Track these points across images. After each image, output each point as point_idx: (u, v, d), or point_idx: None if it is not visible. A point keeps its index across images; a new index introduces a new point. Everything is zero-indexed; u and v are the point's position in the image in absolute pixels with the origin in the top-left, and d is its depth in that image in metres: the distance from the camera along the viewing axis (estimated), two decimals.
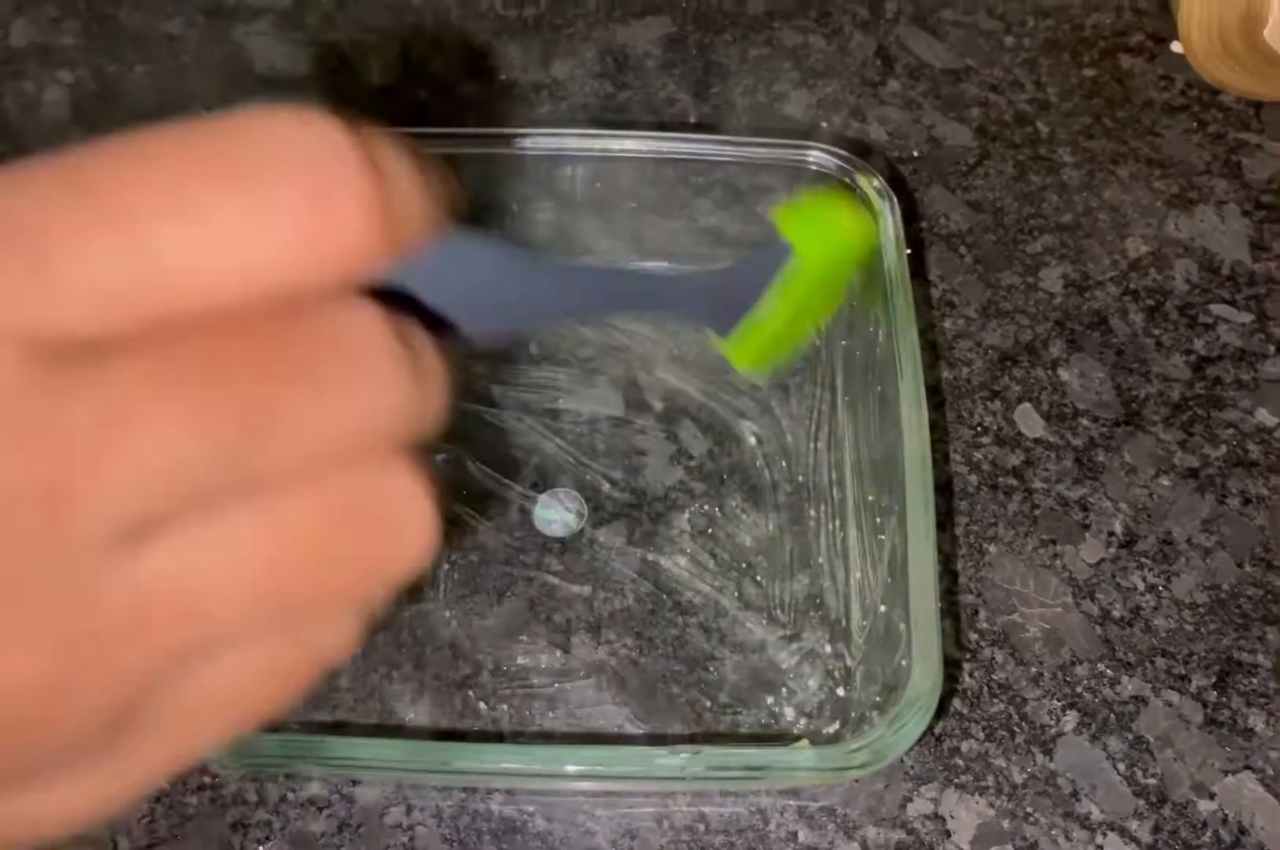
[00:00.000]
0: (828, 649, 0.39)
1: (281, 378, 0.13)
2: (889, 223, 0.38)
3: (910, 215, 0.49)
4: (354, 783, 0.37)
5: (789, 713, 0.38)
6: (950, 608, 0.40)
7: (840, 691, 0.38)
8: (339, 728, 0.37)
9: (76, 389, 0.12)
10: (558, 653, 0.39)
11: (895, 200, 0.39)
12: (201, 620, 0.13)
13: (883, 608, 0.35)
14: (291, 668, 0.15)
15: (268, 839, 0.36)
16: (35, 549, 0.11)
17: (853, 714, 0.36)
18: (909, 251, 0.46)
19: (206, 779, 0.37)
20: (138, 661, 0.12)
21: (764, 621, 0.39)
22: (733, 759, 0.30)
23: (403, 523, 0.14)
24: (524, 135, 0.40)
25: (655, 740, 0.37)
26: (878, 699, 0.33)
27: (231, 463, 0.12)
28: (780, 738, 0.37)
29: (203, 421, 0.12)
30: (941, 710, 0.38)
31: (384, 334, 0.14)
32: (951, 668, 0.39)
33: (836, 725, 0.37)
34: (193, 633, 0.13)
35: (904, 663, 0.31)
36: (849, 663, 0.38)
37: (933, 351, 0.45)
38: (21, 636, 0.12)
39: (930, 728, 0.38)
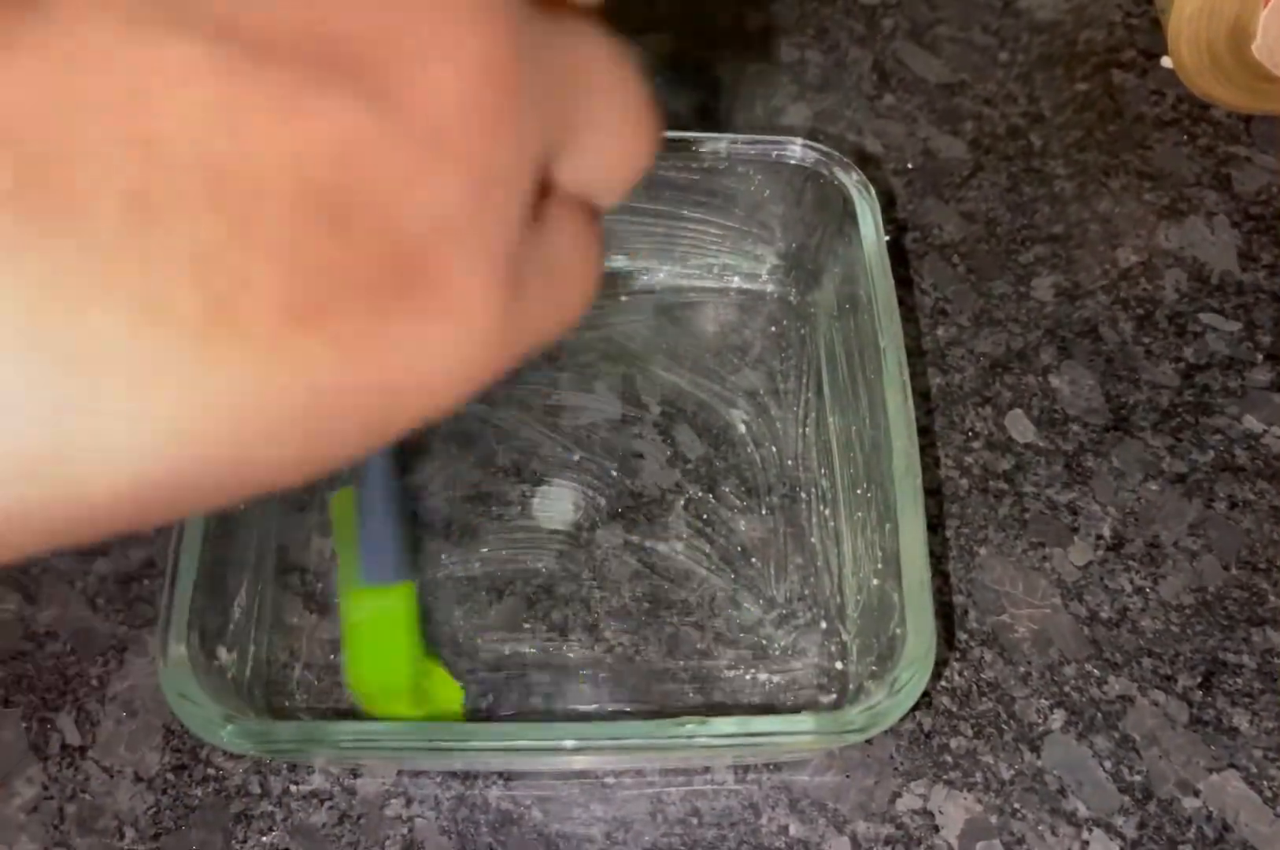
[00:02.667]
0: (823, 625, 0.40)
1: None
2: (868, 217, 0.39)
3: (904, 226, 0.50)
4: (355, 776, 0.38)
5: (788, 689, 0.39)
6: (941, 608, 0.41)
7: (838, 665, 0.39)
8: (346, 716, 0.38)
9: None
10: (556, 646, 0.40)
11: (873, 192, 0.40)
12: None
13: (875, 581, 0.36)
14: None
15: (270, 830, 0.37)
16: None
17: (851, 686, 0.37)
18: (901, 268, 0.47)
19: (211, 771, 0.38)
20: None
21: (760, 602, 0.40)
22: (737, 726, 0.31)
23: None
24: None
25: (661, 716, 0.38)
26: (874, 669, 0.34)
27: None
28: (780, 711, 0.38)
29: None
30: (931, 706, 0.39)
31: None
32: (941, 666, 0.40)
33: (834, 697, 0.38)
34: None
35: (898, 631, 0.32)
36: (844, 637, 0.39)
37: (925, 358, 0.46)
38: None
39: (918, 702, 0.39)
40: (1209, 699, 0.40)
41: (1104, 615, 0.41)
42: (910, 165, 0.52)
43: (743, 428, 0.44)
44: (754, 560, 0.41)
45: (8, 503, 0.11)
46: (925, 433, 0.45)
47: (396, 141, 0.12)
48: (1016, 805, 0.38)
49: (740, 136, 0.42)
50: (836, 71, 0.55)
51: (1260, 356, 0.47)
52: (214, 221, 0.11)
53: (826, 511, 0.42)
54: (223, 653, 0.35)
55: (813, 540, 0.41)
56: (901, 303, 0.47)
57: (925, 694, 0.39)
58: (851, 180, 0.40)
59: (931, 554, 0.42)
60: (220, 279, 0.12)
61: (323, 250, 0.12)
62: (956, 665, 0.40)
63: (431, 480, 0.43)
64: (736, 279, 0.47)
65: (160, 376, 0.11)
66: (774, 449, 0.43)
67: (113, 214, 0.11)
